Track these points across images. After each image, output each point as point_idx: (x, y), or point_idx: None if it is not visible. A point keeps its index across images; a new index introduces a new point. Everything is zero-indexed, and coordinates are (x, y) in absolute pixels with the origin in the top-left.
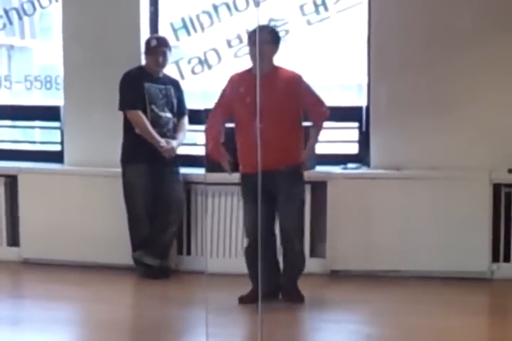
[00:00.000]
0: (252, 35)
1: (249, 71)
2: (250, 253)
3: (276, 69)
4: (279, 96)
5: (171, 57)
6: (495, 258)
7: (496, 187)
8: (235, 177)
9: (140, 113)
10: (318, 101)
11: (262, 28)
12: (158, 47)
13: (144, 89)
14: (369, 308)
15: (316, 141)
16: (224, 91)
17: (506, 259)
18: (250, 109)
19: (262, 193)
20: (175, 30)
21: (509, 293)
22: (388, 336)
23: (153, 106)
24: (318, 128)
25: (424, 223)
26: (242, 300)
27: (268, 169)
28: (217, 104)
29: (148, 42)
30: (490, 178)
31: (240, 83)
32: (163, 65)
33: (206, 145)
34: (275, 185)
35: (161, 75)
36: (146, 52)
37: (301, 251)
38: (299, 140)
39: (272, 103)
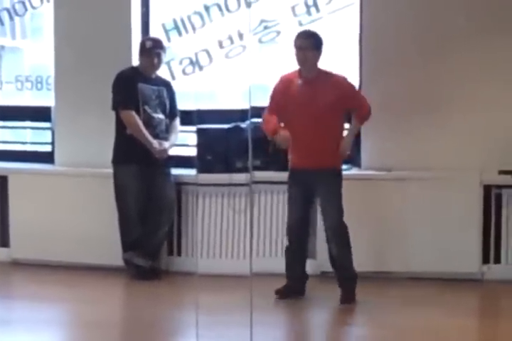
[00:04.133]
0: (297, 40)
1: (297, 73)
2: (290, 254)
3: (322, 73)
4: (325, 99)
5: None
6: (485, 260)
7: (487, 189)
8: (224, 178)
9: (133, 113)
10: (363, 100)
11: (305, 34)
12: (153, 49)
13: (137, 89)
14: (360, 309)
15: (355, 131)
16: (274, 91)
17: (497, 261)
18: (300, 110)
19: (305, 191)
20: (166, 31)
21: (499, 294)
22: (379, 337)
23: (146, 107)
24: (359, 123)
25: (414, 224)
26: (278, 293)
27: (314, 168)
28: (271, 102)
29: (143, 44)
30: (480, 179)
31: (289, 85)
32: (157, 66)
33: (265, 127)
34: (317, 185)
35: (153, 76)
36: (141, 54)
37: (343, 251)
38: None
39: (319, 105)
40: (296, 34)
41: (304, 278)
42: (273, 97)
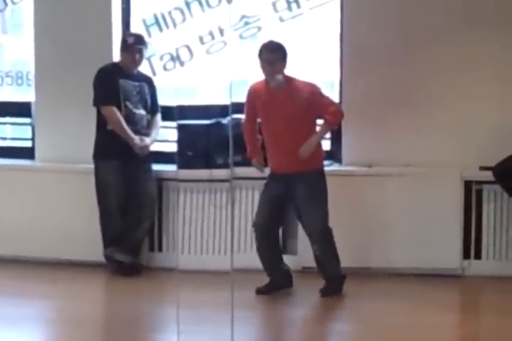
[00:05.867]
0: (263, 53)
1: (265, 82)
2: (260, 253)
3: (289, 80)
4: (295, 105)
5: None
6: (466, 255)
7: (467, 185)
8: (205, 173)
9: (114, 109)
10: (331, 103)
11: (270, 47)
12: (135, 45)
13: (118, 85)
14: (342, 305)
15: (320, 136)
16: (247, 100)
17: (477, 256)
18: (271, 117)
19: (281, 194)
20: (147, 27)
21: (480, 289)
22: (360, 332)
23: (128, 103)
24: (328, 125)
25: (395, 220)
26: (259, 291)
27: (290, 173)
28: (246, 111)
29: (125, 40)
30: (461, 175)
31: (258, 93)
32: (139, 62)
33: (246, 146)
34: (297, 188)
35: (135, 72)
36: (123, 49)
37: (324, 251)
38: (317, 145)
39: (288, 112)
40: (261, 46)
41: (284, 273)
42: (246, 107)
